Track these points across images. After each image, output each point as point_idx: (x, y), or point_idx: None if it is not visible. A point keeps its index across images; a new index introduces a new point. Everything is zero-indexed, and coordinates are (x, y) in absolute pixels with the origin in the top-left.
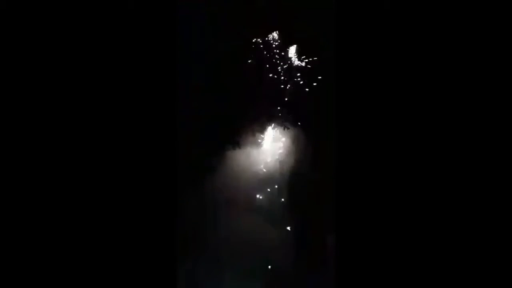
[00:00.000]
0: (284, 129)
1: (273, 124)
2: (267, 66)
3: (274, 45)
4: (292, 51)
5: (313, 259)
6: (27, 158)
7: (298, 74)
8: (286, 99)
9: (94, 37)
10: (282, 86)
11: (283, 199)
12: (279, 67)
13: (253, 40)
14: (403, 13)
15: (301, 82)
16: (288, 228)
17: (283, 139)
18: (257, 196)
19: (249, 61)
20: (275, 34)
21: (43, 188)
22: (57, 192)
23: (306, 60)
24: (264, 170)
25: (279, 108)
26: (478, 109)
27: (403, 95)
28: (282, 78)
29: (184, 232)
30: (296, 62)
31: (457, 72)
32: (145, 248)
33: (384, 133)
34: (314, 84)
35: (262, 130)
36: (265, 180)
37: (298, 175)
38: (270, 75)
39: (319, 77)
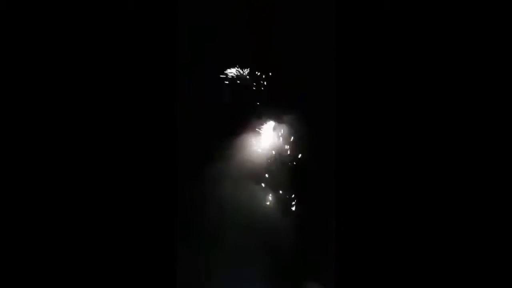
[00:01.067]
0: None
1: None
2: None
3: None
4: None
5: (314, 246)
6: (28, 157)
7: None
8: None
9: (94, 37)
10: (282, 83)
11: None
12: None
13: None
14: (403, 13)
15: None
16: (290, 216)
17: (283, 130)
18: (258, 185)
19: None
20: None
21: (48, 184)
22: (56, 183)
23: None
24: (265, 160)
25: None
26: (477, 106)
27: (402, 92)
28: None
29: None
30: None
31: (456, 70)
32: (146, 238)
33: (383, 128)
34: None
35: (263, 122)
36: (265, 170)
37: (299, 165)
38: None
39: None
